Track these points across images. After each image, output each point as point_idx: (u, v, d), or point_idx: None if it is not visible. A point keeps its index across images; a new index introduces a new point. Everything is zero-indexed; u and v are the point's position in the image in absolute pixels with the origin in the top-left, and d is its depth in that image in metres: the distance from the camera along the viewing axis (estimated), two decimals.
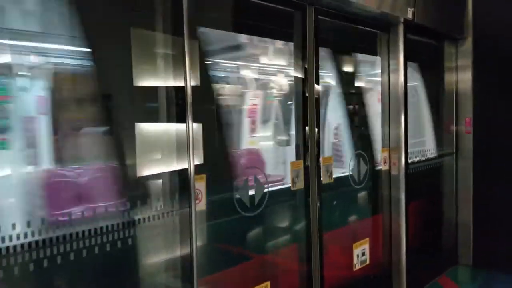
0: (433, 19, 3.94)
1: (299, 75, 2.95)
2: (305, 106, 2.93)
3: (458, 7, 4.49)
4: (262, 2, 2.67)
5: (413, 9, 3.59)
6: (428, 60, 4.69)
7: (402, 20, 3.62)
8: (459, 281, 4.43)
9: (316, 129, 2.96)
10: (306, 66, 2.91)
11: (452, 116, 4.72)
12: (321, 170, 3.01)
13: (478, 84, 4.57)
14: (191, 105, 2.13)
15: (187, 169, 2.13)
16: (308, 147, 2.92)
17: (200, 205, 2.26)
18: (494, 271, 4.39)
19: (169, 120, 2.18)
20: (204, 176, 2.28)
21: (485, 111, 4.53)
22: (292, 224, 3.11)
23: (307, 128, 2.92)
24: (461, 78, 4.70)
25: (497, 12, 4.41)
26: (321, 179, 3.02)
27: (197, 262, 2.18)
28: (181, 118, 2.13)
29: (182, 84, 2.13)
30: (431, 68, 4.73)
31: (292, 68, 2.97)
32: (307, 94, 2.93)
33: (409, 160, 3.83)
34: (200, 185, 2.25)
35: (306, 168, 2.91)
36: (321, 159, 3.00)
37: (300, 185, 2.88)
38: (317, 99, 2.99)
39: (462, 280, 4.49)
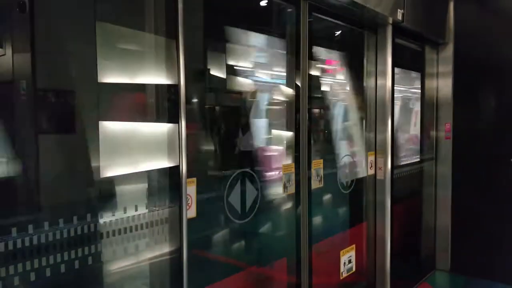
0: (419, 22, 3.91)
1: (292, 74, 2.80)
2: (297, 105, 2.79)
3: (441, 12, 4.50)
4: None
5: (402, 10, 3.53)
6: (411, 64, 4.67)
7: (391, 21, 3.55)
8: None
9: (308, 131, 2.83)
10: (300, 64, 2.77)
11: (432, 122, 4.72)
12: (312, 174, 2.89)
13: (458, 90, 4.59)
14: (184, 104, 1.94)
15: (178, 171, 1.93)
16: (300, 149, 2.78)
17: (191, 211, 2.07)
18: (471, 277, 4.41)
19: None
20: (194, 179, 2.09)
21: (464, 117, 4.55)
22: (281, 232, 2.96)
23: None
24: (441, 83, 4.71)
25: (477, 19, 4.45)
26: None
27: (188, 273, 1.98)
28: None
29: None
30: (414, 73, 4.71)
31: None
32: (299, 94, 2.79)
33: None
34: (190, 190, 2.06)
35: (297, 172, 2.76)
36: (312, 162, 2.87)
37: (292, 189, 2.73)
38: (310, 99, 2.86)
39: (443, 287, 4.48)
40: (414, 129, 4.61)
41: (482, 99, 4.47)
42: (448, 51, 4.64)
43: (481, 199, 4.37)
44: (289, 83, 2.83)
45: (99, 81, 1.80)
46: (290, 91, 2.81)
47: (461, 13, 4.54)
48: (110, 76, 1.87)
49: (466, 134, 4.54)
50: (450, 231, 4.60)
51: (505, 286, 4.14)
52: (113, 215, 1.81)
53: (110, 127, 1.85)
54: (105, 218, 1.77)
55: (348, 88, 4.01)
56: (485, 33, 4.36)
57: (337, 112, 3.85)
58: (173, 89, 1.93)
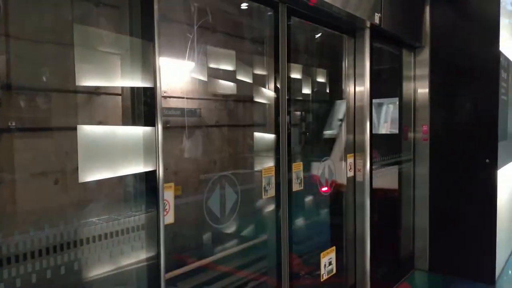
0: (397, 25, 3.96)
1: (271, 76, 2.80)
2: (276, 108, 2.79)
3: (417, 16, 4.57)
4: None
5: (380, 14, 3.57)
6: (389, 67, 4.74)
7: (369, 24, 3.59)
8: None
9: (288, 133, 2.83)
10: (279, 67, 2.77)
11: (410, 124, 4.79)
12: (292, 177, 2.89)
13: (435, 93, 4.67)
14: (160, 107, 1.91)
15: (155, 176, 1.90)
16: (280, 152, 2.78)
17: (168, 217, 2.04)
18: (450, 276, 4.48)
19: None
20: (172, 184, 2.06)
21: (441, 119, 4.64)
22: (261, 234, 2.95)
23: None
24: (418, 86, 4.79)
25: (452, 23, 4.54)
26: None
27: (165, 280, 1.95)
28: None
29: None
30: (392, 76, 4.78)
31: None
32: (278, 96, 2.79)
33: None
34: (167, 195, 2.03)
35: (277, 175, 2.76)
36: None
37: (272, 193, 2.73)
38: (289, 101, 2.86)
39: (422, 286, 4.54)
40: None
41: (458, 101, 4.55)
42: (425, 54, 4.72)
43: (458, 199, 4.45)
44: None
45: (76, 83, 1.76)
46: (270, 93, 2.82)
47: (437, 17, 4.62)
48: (88, 79, 1.83)
49: (443, 135, 4.62)
50: (429, 231, 4.67)
51: (482, 285, 4.22)
52: (89, 220, 1.77)
53: (88, 130, 1.81)
54: (82, 224, 1.73)
55: (328, 91, 4.05)
56: (460, 36, 4.45)
57: (317, 114, 3.87)
58: (149, 92, 1.90)
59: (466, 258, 4.36)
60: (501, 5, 4.18)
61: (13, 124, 1.88)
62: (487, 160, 4.25)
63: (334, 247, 3.45)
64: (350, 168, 3.72)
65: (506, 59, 4.59)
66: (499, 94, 4.25)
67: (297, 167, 2.97)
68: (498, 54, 4.20)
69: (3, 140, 1.86)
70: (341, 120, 3.79)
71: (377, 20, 3.54)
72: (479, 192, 4.31)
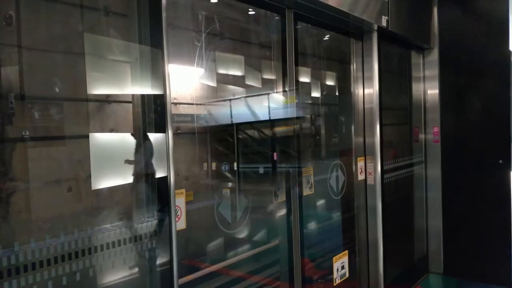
0: (404, 28, 3.95)
1: (279, 80, 2.81)
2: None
3: (425, 18, 4.55)
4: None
5: (387, 17, 3.56)
6: (397, 69, 4.72)
7: (376, 27, 3.59)
8: None
9: (297, 137, 2.84)
10: (286, 71, 2.78)
11: (421, 125, 4.76)
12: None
13: (445, 94, 4.63)
14: (170, 114, 1.93)
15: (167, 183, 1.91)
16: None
17: (180, 223, 2.05)
18: (464, 279, 4.42)
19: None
20: (183, 191, 2.07)
21: (452, 120, 4.60)
22: (273, 239, 2.95)
23: None
24: (428, 87, 4.76)
25: (461, 24, 4.51)
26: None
27: (178, 285, 1.96)
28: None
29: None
30: (401, 78, 4.76)
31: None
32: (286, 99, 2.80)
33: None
34: (179, 201, 2.04)
35: (287, 179, 2.76)
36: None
37: (282, 197, 2.73)
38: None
39: None
40: None
41: (469, 102, 4.51)
42: (434, 56, 4.69)
43: (471, 201, 4.40)
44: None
45: (88, 92, 1.79)
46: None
47: (445, 18, 4.60)
48: (98, 87, 1.86)
49: (454, 136, 4.58)
50: (442, 233, 4.62)
51: (497, 287, 4.16)
52: (103, 227, 1.79)
53: (100, 138, 1.83)
54: (95, 231, 1.75)
55: (337, 93, 4.04)
56: (469, 37, 4.42)
57: (327, 118, 3.86)
58: (159, 99, 1.92)
59: (481, 261, 4.30)
60: (510, 4, 4.15)
61: (27, 133, 1.91)
62: (500, 161, 4.19)
63: (346, 251, 3.44)
64: (361, 172, 3.70)
65: None
66: (511, 93, 4.21)
67: (308, 171, 2.96)
68: (508, 53, 4.16)
69: (17, 149, 1.89)
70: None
71: (384, 23, 3.54)
72: (493, 193, 4.26)
